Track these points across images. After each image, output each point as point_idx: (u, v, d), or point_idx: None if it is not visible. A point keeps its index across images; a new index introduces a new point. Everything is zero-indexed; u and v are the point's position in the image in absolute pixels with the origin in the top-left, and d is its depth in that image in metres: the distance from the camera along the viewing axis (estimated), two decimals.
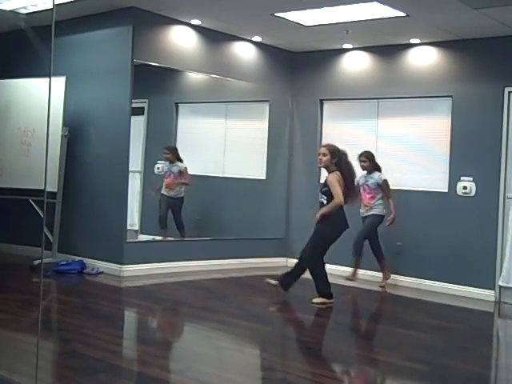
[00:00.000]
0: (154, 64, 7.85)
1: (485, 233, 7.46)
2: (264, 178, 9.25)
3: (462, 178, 7.63)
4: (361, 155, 7.78)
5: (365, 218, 7.78)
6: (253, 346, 5.40)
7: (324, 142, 9.05)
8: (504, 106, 7.46)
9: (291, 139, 9.30)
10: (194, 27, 8.13)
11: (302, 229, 9.08)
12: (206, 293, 7.20)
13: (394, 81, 8.39)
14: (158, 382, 4.20)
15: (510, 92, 7.44)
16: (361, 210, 7.79)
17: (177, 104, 9.49)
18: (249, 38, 8.69)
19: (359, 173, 7.50)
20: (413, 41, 8.07)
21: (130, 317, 6.30)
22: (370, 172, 7.78)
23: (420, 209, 7.84)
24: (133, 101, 7.68)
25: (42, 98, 7.05)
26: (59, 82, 7.52)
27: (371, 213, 7.71)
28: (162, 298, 6.84)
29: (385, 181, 7.70)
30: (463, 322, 6.74)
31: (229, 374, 4.49)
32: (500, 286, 7.37)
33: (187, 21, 7.96)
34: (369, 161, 7.77)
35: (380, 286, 7.70)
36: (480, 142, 7.58)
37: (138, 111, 8.71)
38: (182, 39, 8.05)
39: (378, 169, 7.81)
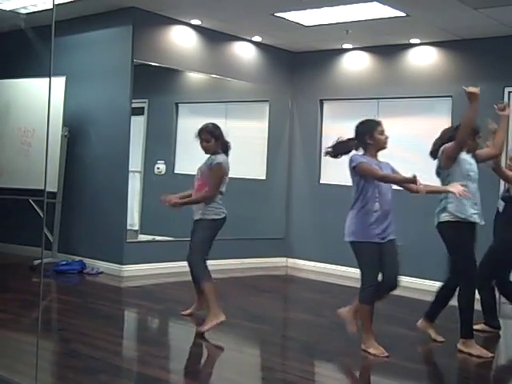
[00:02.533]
0: (154, 64, 7.85)
1: (485, 233, 7.44)
2: (264, 177, 9.25)
3: None
4: None
5: None
6: (253, 346, 5.40)
7: (324, 142, 9.07)
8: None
9: (291, 139, 9.30)
10: (194, 27, 8.13)
11: (302, 229, 9.11)
12: None
13: (394, 81, 8.39)
14: (158, 381, 4.20)
15: (510, 92, 7.45)
16: None
17: (177, 104, 9.49)
18: (249, 38, 8.69)
19: None
20: (413, 41, 8.08)
21: (129, 317, 6.30)
22: None
23: (420, 209, 7.81)
24: (133, 101, 7.68)
25: (42, 98, 7.05)
26: (59, 82, 7.53)
27: None
28: (161, 298, 6.83)
29: None
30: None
31: (229, 374, 4.49)
32: None
33: (187, 21, 7.96)
34: None
35: None
36: (481, 142, 7.56)
37: (138, 111, 8.71)
38: (182, 39, 8.05)
39: None
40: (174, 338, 5.71)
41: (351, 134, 8.99)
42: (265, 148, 9.26)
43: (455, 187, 4.93)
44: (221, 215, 5.69)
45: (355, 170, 5.07)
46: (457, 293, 5.22)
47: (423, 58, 8.15)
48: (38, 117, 7.41)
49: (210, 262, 8.22)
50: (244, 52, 8.76)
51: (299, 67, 9.22)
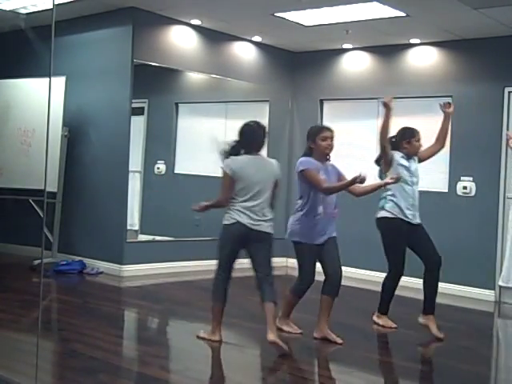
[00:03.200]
0: (153, 64, 7.86)
1: (485, 233, 7.46)
2: None
3: (461, 178, 7.63)
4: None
5: None
6: (253, 345, 5.40)
7: None
8: (504, 105, 7.46)
9: (291, 139, 9.30)
10: (194, 27, 8.13)
11: None
12: (205, 293, 7.15)
13: (394, 81, 8.39)
14: (158, 381, 4.21)
15: (510, 92, 7.45)
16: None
17: (177, 104, 9.48)
18: (249, 38, 8.69)
19: None
20: (413, 41, 8.08)
21: (129, 317, 6.30)
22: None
23: (420, 208, 7.80)
24: (133, 101, 7.69)
25: (41, 98, 7.05)
26: (59, 82, 7.53)
27: None
28: (161, 298, 6.83)
29: None
30: (463, 322, 6.74)
31: (229, 373, 4.50)
32: (500, 286, 7.37)
33: (187, 21, 7.97)
34: None
35: None
36: (480, 142, 7.58)
37: (138, 111, 8.71)
38: (181, 39, 8.05)
39: None
40: (174, 338, 5.70)
41: (351, 134, 9.06)
42: (265, 148, 9.21)
43: (387, 178, 5.44)
44: (229, 221, 5.28)
45: (302, 174, 5.29)
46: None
47: (423, 58, 8.15)
48: (38, 117, 7.41)
49: (210, 262, 8.25)
50: (244, 52, 8.76)
51: (299, 67, 9.22)
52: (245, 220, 5.17)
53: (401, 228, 5.68)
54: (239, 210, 5.20)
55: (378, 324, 5.92)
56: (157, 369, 4.43)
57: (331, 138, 5.48)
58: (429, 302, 5.81)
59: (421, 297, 6.84)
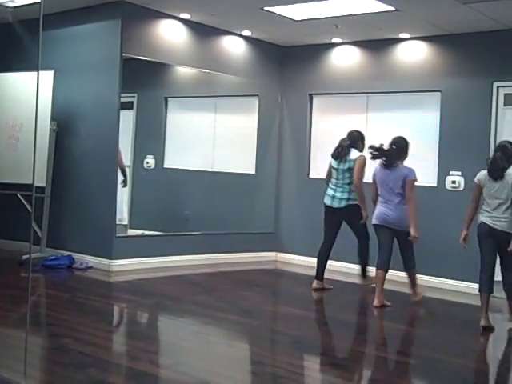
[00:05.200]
0: (143, 58, 7.82)
1: (472, 226, 7.47)
2: (253, 172, 9.24)
3: (450, 173, 7.65)
4: None
5: None
6: (242, 340, 5.41)
7: (313, 136, 9.07)
8: (492, 100, 7.48)
9: (281, 133, 9.30)
10: (184, 21, 8.10)
11: (291, 223, 9.12)
12: (195, 287, 7.20)
13: (383, 75, 8.40)
14: (148, 376, 4.20)
15: (498, 87, 7.47)
16: None
17: (166, 98, 9.47)
18: (238, 33, 8.67)
19: None
20: (402, 35, 8.08)
21: (119, 311, 6.29)
22: None
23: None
24: (122, 95, 7.65)
25: (30, 92, 6.99)
26: (47, 76, 7.48)
27: None
28: (151, 292, 6.83)
29: None
30: (451, 315, 6.77)
31: (218, 368, 4.49)
32: None
33: (176, 15, 7.93)
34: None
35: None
36: (469, 137, 7.60)
37: (127, 105, 8.68)
38: (171, 33, 8.02)
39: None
40: (164, 332, 5.70)
41: (341, 129, 9.04)
42: (254, 142, 9.25)
43: None
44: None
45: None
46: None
47: (413, 53, 8.16)
48: (26, 111, 7.36)
49: (199, 257, 8.28)
50: (233, 46, 8.74)
51: (289, 61, 9.21)
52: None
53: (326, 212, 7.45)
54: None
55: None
56: (147, 363, 4.43)
57: None
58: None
59: (410, 291, 6.88)
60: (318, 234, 8.74)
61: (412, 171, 6.52)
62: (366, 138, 7.25)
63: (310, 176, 9.03)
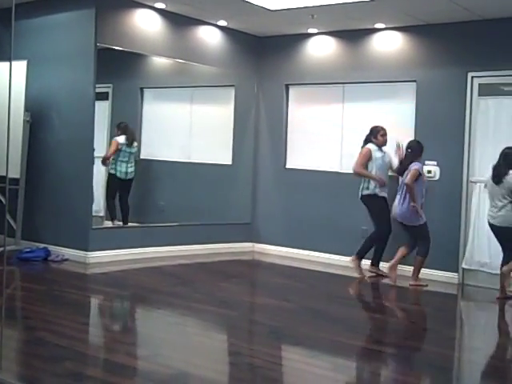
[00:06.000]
0: (118, 48, 7.75)
1: (449, 216, 7.55)
2: (230, 163, 9.23)
3: (426, 162, 7.70)
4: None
5: None
6: (220, 331, 5.41)
7: (289, 126, 9.07)
8: (467, 90, 7.53)
9: (257, 124, 9.29)
10: (159, 11, 8.04)
11: (268, 214, 9.13)
12: (172, 279, 7.18)
13: (359, 65, 8.41)
14: (125, 368, 4.19)
15: (472, 77, 7.52)
16: None
17: (142, 89, 9.40)
18: (214, 23, 8.62)
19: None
20: (378, 25, 8.09)
21: (96, 304, 6.25)
22: None
23: (388, 192, 7.86)
24: (97, 85, 7.58)
25: (2, 82, 6.89)
26: (20, 67, 7.38)
27: None
28: (128, 284, 6.80)
29: None
30: (428, 304, 6.84)
31: (196, 359, 4.49)
32: (463, 269, 7.48)
33: (151, 4, 7.86)
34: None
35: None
36: (444, 127, 7.65)
37: (103, 96, 8.61)
38: (146, 23, 7.95)
39: None
40: (141, 324, 5.68)
41: (317, 119, 9.08)
42: (231, 133, 9.23)
43: None
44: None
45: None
46: None
47: (388, 43, 8.18)
48: None
49: (176, 248, 8.26)
50: (209, 36, 8.69)
51: (265, 52, 9.18)
52: None
53: None
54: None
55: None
56: (124, 355, 4.41)
57: None
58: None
59: (387, 281, 6.94)
60: (295, 224, 8.80)
61: (418, 164, 7.19)
62: (382, 131, 7.68)
63: (287, 166, 9.04)
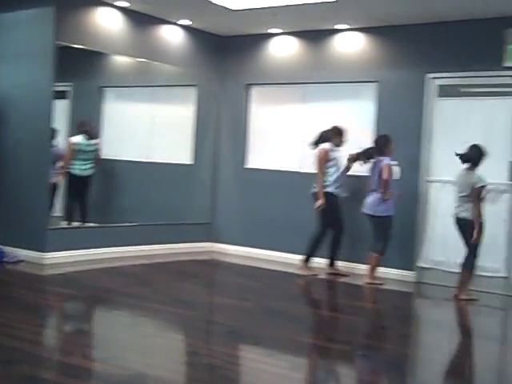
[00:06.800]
0: (78, 46, 7.65)
1: (405, 215, 7.62)
2: (191, 162, 9.19)
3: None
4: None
5: None
6: (178, 331, 5.38)
7: (250, 126, 9.07)
8: (425, 91, 7.62)
9: (218, 124, 9.27)
10: (121, 9, 7.95)
11: (228, 214, 9.11)
12: (131, 279, 7.13)
13: (321, 66, 8.45)
14: (81, 370, 4.13)
15: (432, 78, 7.60)
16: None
17: (102, 88, 9.30)
18: (177, 22, 8.57)
19: None
20: (340, 26, 8.13)
21: (52, 305, 6.13)
22: None
23: (351, 192, 7.89)
24: (56, 84, 7.47)
25: None
26: None
27: None
28: (86, 285, 6.72)
29: None
30: (385, 302, 6.90)
31: (154, 360, 4.45)
32: (419, 267, 7.57)
33: (113, 2, 7.78)
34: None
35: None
36: (403, 127, 7.72)
37: (62, 95, 8.50)
38: (107, 21, 7.86)
39: None
40: (98, 325, 5.61)
41: (278, 119, 9.09)
42: (192, 133, 9.19)
43: None
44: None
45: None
46: None
47: (350, 44, 8.23)
48: None
49: (136, 248, 8.19)
50: (171, 35, 8.64)
51: (227, 51, 9.17)
52: None
53: None
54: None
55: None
56: (80, 358, 4.35)
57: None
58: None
59: (344, 280, 6.98)
60: (254, 224, 8.80)
61: (387, 159, 7.28)
62: (343, 132, 7.75)
63: (247, 166, 9.04)
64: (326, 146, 7.65)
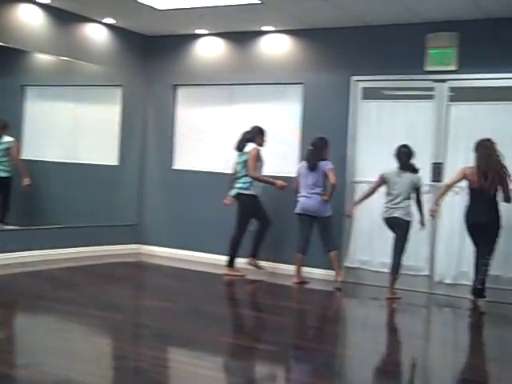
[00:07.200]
0: None
1: (333, 216, 7.70)
2: (117, 163, 9.06)
3: None
4: None
5: None
6: (105, 335, 5.29)
7: (177, 127, 9.01)
8: (350, 93, 7.76)
9: (145, 124, 9.17)
10: (43, 6, 7.76)
11: (154, 215, 9.03)
12: (55, 283, 6.96)
13: (247, 67, 8.48)
14: (4, 378, 4.00)
15: (356, 81, 7.75)
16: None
17: (23, 86, 9.05)
18: (100, 20, 8.43)
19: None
20: (266, 28, 8.19)
21: None
22: None
23: (272, 193, 7.93)
24: None
25: None
26: None
27: None
28: (7, 289, 6.52)
29: None
30: (310, 302, 6.98)
31: (80, 365, 4.35)
32: (346, 267, 7.69)
33: None
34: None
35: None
36: (329, 128, 7.81)
37: None
38: (28, 18, 7.66)
39: None
40: (22, 331, 5.44)
41: (206, 120, 9.06)
42: (118, 133, 9.06)
43: None
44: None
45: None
46: None
47: (276, 46, 8.29)
48: None
49: (60, 251, 8.00)
50: (96, 34, 8.49)
51: (153, 51, 9.08)
52: None
53: None
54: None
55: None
56: (2, 364, 4.21)
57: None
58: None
59: (271, 280, 7.02)
60: (181, 225, 8.75)
61: (330, 162, 7.36)
62: (264, 132, 7.74)
63: (174, 167, 8.98)
64: (256, 146, 7.65)
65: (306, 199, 7.38)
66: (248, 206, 7.60)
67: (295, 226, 7.51)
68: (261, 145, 7.67)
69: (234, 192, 7.64)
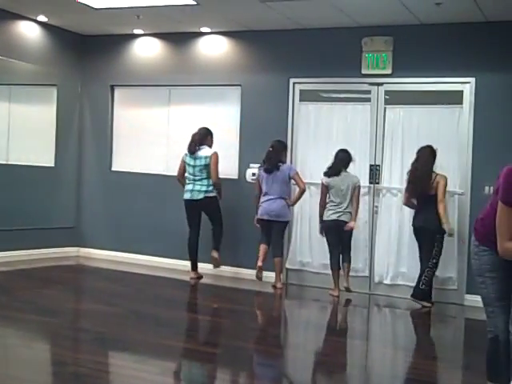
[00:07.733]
0: None
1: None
2: (53, 164, 8.88)
3: (250, 165, 7.89)
4: None
5: None
6: (43, 340, 5.19)
7: (115, 128, 8.90)
8: (289, 95, 7.82)
9: (81, 125, 9.03)
10: None
11: (93, 217, 8.90)
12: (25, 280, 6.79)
13: (185, 68, 8.45)
14: None
15: (294, 83, 7.82)
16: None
17: None
18: (33, 18, 8.24)
19: None
20: (204, 29, 8.18)
21: None
22: None
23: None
24: None
25: None
26: None
27: None
28: None
29: None
30: (252, 304, 7.02)
31: (17, 372, 4.26)
32: (287, 269, 7.74)
33: None
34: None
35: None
36: (267, 131, 7.85)
37: None
38: None
39: None
40: None
41: (143, 121, 8.97)
42: (53, 134, 8.88)
43: None
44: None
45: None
46: None
47: (214, 47, 8.28)
48: None
49: (21, 253, 7.78)
50: (28, 32, 8.30)
51: (89, 51, 8.94)
52: None
53: None
54: None
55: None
56: None
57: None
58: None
59: (214, 282, 7.01)
60: (121, 227, 8.65)
61: (293, 166, 7.47)
62: (212, 134, 7.73)
63: (113, 169, 8.87)
64: (214, 150, 7.60)
65: (270, 202, 7.32)
66: (218, 206, 7.62)
67: (254, 231, 7.49)
68: (210, 146, 7.63)
69: (199, 195, 7.49)
